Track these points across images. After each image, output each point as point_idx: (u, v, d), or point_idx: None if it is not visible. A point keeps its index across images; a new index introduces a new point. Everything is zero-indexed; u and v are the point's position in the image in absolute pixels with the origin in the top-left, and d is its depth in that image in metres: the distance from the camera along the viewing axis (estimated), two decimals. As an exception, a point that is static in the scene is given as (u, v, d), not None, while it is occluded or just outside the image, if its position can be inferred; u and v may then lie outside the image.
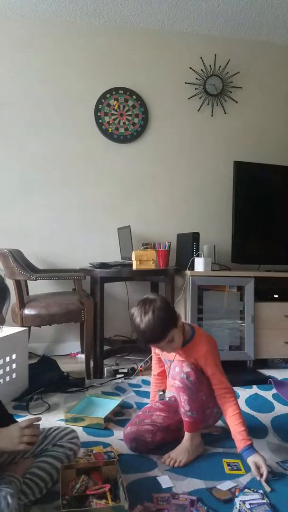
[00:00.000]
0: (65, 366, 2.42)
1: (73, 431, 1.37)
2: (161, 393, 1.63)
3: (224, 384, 1.44)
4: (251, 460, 1.31)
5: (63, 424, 1.72)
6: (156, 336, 1.36)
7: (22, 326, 2.24)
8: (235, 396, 1.43)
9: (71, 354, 2.90)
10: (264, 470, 1.27)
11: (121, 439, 1.58)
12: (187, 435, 1.45)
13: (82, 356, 2.67)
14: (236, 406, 1.40)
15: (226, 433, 1.63)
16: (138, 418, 1.54)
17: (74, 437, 1.35)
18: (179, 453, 1.41)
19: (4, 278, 1.20)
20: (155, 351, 1.65)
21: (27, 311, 2.27)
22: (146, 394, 2.07)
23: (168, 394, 1.65)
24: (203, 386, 1.45)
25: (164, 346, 1.41)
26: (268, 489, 1.24)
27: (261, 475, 1.27)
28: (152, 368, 1.74)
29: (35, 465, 1.23)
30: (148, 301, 1.39)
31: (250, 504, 1.16)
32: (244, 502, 1.16)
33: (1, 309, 1.15)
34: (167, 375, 1.65)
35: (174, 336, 1.40)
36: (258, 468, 1.29)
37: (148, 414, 1.56)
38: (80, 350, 2.90)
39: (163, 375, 1.71)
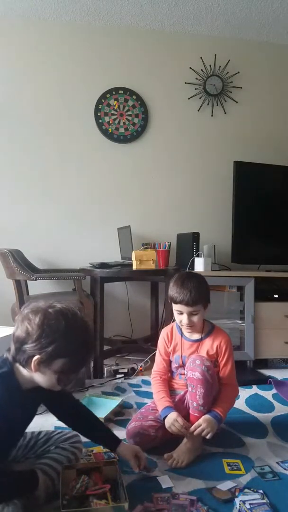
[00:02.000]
0: (65, 366, 2.41)
1: (76, 435, 1.37)
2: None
3: (231, 376, 1.56)
4: (201, 420, 1.41)
5: (63, 424, 1.71)
6: (192, 297, 1.48)
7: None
8: (237, 388, 1.58)
9: (71, 354, 2.89)
10: (205, 432, 1.38)
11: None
12: (191, 434, 1.43)
13: (82, 356, 2.66)
14: (233, 392, 1.57)
15: (226, 433, 1.63)
16: (141, 415, 1.57)
17: (77, 441, 1.35)
18: (181, 453, 1.41)
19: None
20: (165, 351, 1.66)
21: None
22: (146, 394, 2.07)
23: (173, 393, 1.63)
24: (216, 383, 1.50)
25: (187, 313, 1.51)
26: None
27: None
28: (157, 370, 1.67)
29: (37, 466, 1.22)
30: (195, 274, 1.61)
31: (250, 504, 1.16)
32: (244, 502, 1.16)
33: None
34: (174, 375, 1.66)
35: (200, 312, 1.53)
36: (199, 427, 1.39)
37: (151, 411, 1.58)
38: (80, 350, 2.89)
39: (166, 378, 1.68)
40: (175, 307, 1.55)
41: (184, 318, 1.53)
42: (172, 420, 1.42)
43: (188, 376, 1.47)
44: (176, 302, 1.53)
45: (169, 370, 1.68)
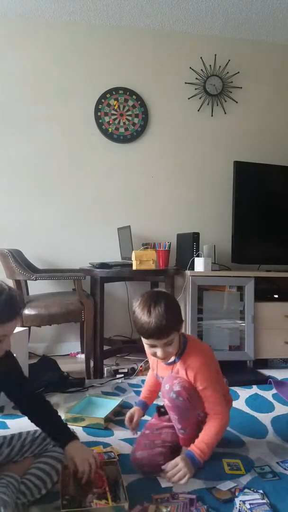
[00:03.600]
0: (65, 366, 2.42)
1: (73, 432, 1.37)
2: (163, 410, 1.51)
3: (213, 404, 1.35)
4: (179, 458, 1.29)
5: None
6: (162, 329, 1.25)
7: (22, 326, 2.24)
8: (224, 419, 1.35)
9: (71, 354, 2.90)
10: (179, 475, 1.24)
11: (122, 439, 1.58)
12: (183, 450, 1.39)
13: (82, 356, 2.67)
14: (217, 426, 1.33)
15: (226, 433, 1.63)
16: (147, 439, 1.41)
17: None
18: (181, 468, 1.29)
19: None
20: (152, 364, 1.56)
21: (27, 311, 2.27)
22: (146, 394, 2.07)
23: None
24: (199, 403, 1.35)
25: (161, 346, 1.29)
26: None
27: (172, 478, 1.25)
28: (151, 364, 1.62)
29: (35, 465, 1.23)
30: (159, 293, 1.34)
31: (250, 504, 1.16)
32: (244, 502, 1.16)
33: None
34: (159, 379, 1.56)
35: (175, 339, 1.32)
36: (175, 468, 1.26)
37: (157, 432, 1.45)
38: (80, 350, 2.90)
39: (158, 387, 1.62)
40: (145, 341, 1.32)
41: (158, 352, 1.30)
42: (129, 413, 1.55)
43: (162, 399, 1.39)
44: (144, 337, 1.30)
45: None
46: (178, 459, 1.29)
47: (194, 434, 1.37)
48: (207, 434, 1.32)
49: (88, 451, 1.25)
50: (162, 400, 1.40)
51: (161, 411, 1.52)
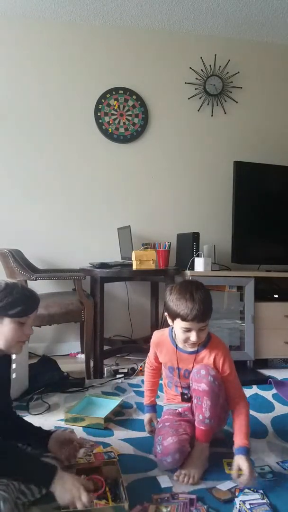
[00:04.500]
0: (65, 366, 2.42)
1: (72, 431, 1.37)
2: (186, 396, 1.52)
3: (239, 391, 1.44)
4: (237, 459, 1.29)
5: (63, 424, 1.72)
6: (205, 313, 1.32)
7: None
8: (248, 404, 1.43)
9: (71, 354, 2.90)
10: (246, 475, 1.23)
11: (122, 439, 1.58)
12: (198, 446, 1.38)
13: (82, 356, 2.67)
14: (247, 414, 1.40)
15: (226, 433, 1.63)
16: (170, 428, 1.40)
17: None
18: (191, 468, 1.32)
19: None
20: (155, 358, 1.59)
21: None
22: (146, 394, 2.07)
23: (175, 406, 1.55)
24: (223, 391, 1.41)
25: (196, 330, 1.34)
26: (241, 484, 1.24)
27: (240, 480, 1.24)
28: (148, 362, 1.66)
29: None
30: (196, 282, 1.41)
31: (250, 504, 1.16)
32: (244, 502, 1.16)
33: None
34: (169, 386, 1.58)
35: (207, 326, 1.38)
36: (239, 470, 1.26)
37: (177, 424, 1.43)
38: (80, 350, 2.90)
39: (156, 385, 1.68)
40: (183, 325, 1.34)
41: (193, 336, 1.35)
42: (147, 420, 1.63)
43: (193, 388, 1.40)
44: (186, 320, 1.32)
45: (161, 371, 1.63)
46: (240, 462, 1.27)
47: (215, 425, 1.41)
48: (244, 425, 1.37)
49: (74, 485, 1.09)
50: (194, 389, 1.40)
51: (184, 397, 1.52)
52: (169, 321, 1.43)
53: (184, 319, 1.32)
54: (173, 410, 1.53)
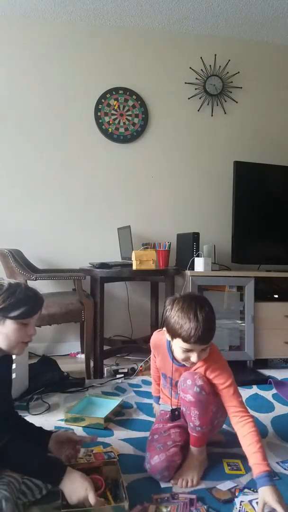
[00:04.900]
0: (65, 366, 2.42)
1: (73, 433, 1.37)
2: (177, 413, 1.46)
3: (238, 400, 1.30)
4: (261, 493, 1.11)
5: (63, 424, 1.72)
6: (210, 335, 1.24)
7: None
8: (253, 418, 1.29)
9: (71, 354, 2.90)
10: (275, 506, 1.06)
11: (122, 439, 1.58)
12: (194, 450, 1.36)
13: (82, 356, 2.67)
14: (252, 423, 1.25)
15: (226, 433, 1.63)
16: (158, 443, 1.37)
17: None
18: (189, 472, 1.31)
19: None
20: (154, 363, 1.60)
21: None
22: (146, 394, 2.07)
23: (165, 407, 1.55)
24: (214, 397, 1.34)
25: (198, 351, 1.26)
26: None
27: None
28: (151, 366, 1.68)
29: None
30: (200, 297, 1.30)
31: (257, 503, 1.15)
32: (250, 502, 1.16)
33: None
34: (164, 387, 1.57)
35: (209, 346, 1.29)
36: (265, 503, 1.10)
37: (165, 435, 1.41)
38: (80, 350, 2.90)
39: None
40: (183, 346, 1.25)
41: (194, 357, 1.26)
42: (156, 411, 1.71)
43: (180, 397, 1.36)
44: (188, 342, 1.22)
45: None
46: (268, 499, 1.08)
47: (208, 431, 1.37)
48: (256, 446, 1.20)
49: (82, 485, 1.09)
50: (181, 398, 1.36)
51: (175, 414, 1.47)
52: (167, 336, 1.33)
53: (186, 340, 1.22)
54: (165, 413, 1.52)
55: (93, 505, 1.05)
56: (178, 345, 1.27)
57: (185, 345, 1.24)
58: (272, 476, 1.15)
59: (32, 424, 1.36)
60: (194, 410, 1.31)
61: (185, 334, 1.21)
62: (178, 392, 1.38)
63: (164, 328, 1.34)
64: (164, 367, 1.49)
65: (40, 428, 1.36)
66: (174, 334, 1.26)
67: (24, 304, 1.17)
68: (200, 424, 1.32)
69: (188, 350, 1.26)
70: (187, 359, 1.28)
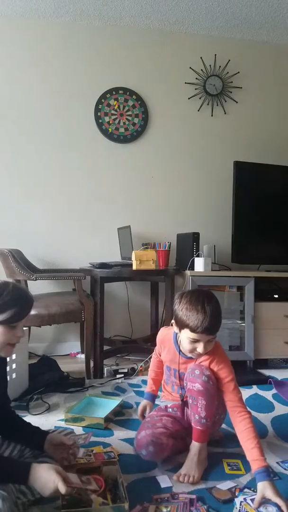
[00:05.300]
0: (65, 366, 2.42)
1: (71, 432, 1.37)
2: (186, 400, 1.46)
3: (238, 396, 1.36)
4: (260, 487, 1.15)
5: (63, 424, 1.72)
6: (217, 325, 1.31)
7: (24, 324, 2.24)
8: (251, 415, 1.33)
9: (71, 354, 2.90)
10: (274, 499, 1.11)
11: (122, 439, 1.58)
12: (195, 446, 1.36)
13: (82, 356, 2.67)
14: (249, 419, 1.30)
15: (226, 433, 1.63)
16: (149, 423, 1.45)
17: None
18: (190, 468, 1.32)
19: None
20: (158, 356, 1.62)
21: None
22: (146, 394, 2.07)
23: (166, 403, 1.58)
24: (218, 391, 1.39)
25: (204, 342, 1.31)
26: None
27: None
28: (154, 355, 1.67)
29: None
30: (207, 292, 1.37)
31: (252, 500, 1.16)
32: (249, 500, 1.16)
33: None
34: (167, 382, 1.59)
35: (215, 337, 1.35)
36: (263, 498, 1.14)
37: (157, 418, 1.48)
38: (80, 350, 2.90)
39: (160, 376, 1.67)
40: (191, 336, 1.31)
41: (200, 347, 1.32)
42: (141, 407, 1.63)
43: (188, 388, 1.39)
44: (195, 332, 1.29)
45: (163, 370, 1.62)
46: (268, 492, 1.12)
47: (211, 426, 1.40)
48: (254, 442, 1.24)
49: (50, 477, 1.05)
50: (189, 389, 1.38)
51: (183, 399, 1.50)
52: (176, 328, 1.39)
53: (193, 330, 1.29)
54: (161, 406, 1.57)
55: (63, 493, 1.03)
56: (186, 336, 1.33)
57: (193, 335, 1.30)
58: (270, 471, 1.19)
59: (29, 425, 1.34)
60: (201, 400, 1.35)
61: (192, 324, 1.28)
62: (185, 383, 1.42)
63: (172, 321, 1.40)
64: (170, 360, 1.52)
65: (37, 428, 1.34)
66: (182, 325, 1.32)
67: (11, 307, 1.12)
68: (206, 415, 1.36)
69: (195, 341, 1.31)
70: (193, 350, 1.34)
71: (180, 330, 1.36)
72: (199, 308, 1.29)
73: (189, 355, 1.39)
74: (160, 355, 1.62)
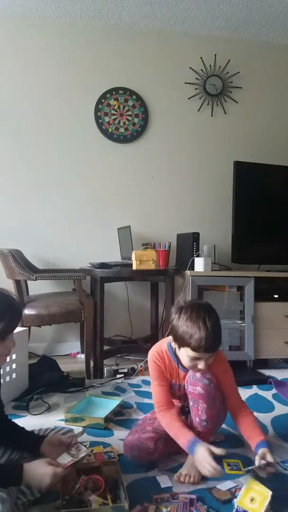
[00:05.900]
0: (65, 366, 2.42)
1: (69, 431, 1.37)
2: (187, 409, 1.44)
3: (239, 397, 1.42)
4: (261, 451, 1.25)
5: (63, 424, 1.72)
6: (218, 343, 1.27)
7: (22, 326, 2.24)
8: (249, 410, 1.41)
9: (71, 354, 2.90)
10: (270, 459, 1.22)
11: (122, 439, 1.58)
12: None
13: (82, 356, 2.67)
14: (252, 416, 1.38)
15: (226, 433, 1.63)
16: (139, 427, 1.46)
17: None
18: (191, 468, 1.31)
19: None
20: (163, 376, 1.44)
21: (27, 311, 2.27)
22: (146, 394, 2.07)
23: None
24: (219, 394, 1.39)
25: (205, 359, 1.28)
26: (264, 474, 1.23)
27: (265, 463, 1.22)
28: (160, 401, 1.43)
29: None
30: (206, 306, 1.32)
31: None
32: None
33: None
34: (174, 388, 1.51)
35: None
36: (263, 455, 1.24)
37: (149, 422, 1.48)
38: (80, 350, 2.90)
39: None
40: (192, 354, 1.26)
41: (201, 365, 1.28)
42: (202, 458, 1.23)
43: (188, 390, 1.39)
44: (197, 351, 1.24)
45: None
46: (265, 451, 1.25)
47: (212, 427, 1.41)
48: (255, 425, 1.35)
49: (44, 475, 1.07)
50: (189, 392, 1.38)
51: (185, 410, 1.48)
52: (174, 344, 1.34)
53: (195, 350, 1.24)
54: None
55: (61, 475, 1.08)
56: (186, 354, 1.28)
57: (194, 354, 1.26)
58: (269, 444, 1.29)
59: (22, 429, 1.31)
60: (202, 403, 1.35)
61: (195, 344, 1.23)
62: (186, 385, 1.41)
63: (170, 337, 1.36)
64: (171, 376, 1.46)
65: (31, 432, 1.32)
66: (182, 343, 1.27)
67: (0, 320, 1.06)
68: (207, 418, 1.36)
69: (196, 358, 1.28)
70: (194, 366, 1.30)
71: (179, 348, 1.31)
72: (200, 326, 1.23)
73: (191, 371, 1.36)
74: (163, 373, 1.45)
